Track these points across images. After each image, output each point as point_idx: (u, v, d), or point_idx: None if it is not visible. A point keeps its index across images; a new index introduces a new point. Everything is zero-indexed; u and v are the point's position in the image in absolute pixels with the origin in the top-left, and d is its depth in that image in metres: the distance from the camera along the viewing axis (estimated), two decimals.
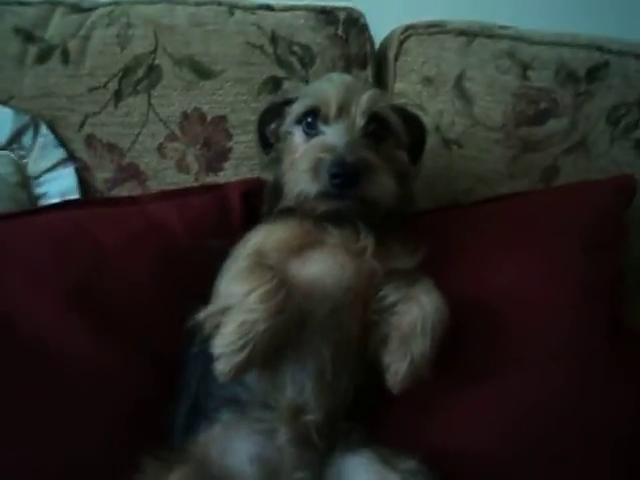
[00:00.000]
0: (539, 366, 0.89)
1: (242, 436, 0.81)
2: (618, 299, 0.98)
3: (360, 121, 0.86)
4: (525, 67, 1.17)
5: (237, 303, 0.79)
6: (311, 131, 0.89)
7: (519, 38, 1.18)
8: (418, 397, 0.84)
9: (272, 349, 0.79)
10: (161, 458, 0.78)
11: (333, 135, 0.85)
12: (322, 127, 0.87)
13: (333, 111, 0.87)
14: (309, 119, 0.89)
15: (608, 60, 1.17)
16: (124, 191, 1.14)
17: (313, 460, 0.82)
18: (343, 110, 0.87)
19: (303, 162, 0.85)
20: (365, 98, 0.87)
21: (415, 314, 0.82)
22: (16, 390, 0.83)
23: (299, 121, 0.90)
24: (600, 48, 1.18)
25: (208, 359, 0.81)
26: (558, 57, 1.17)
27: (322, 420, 0.82)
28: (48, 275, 0.90)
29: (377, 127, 0.88)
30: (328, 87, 0.89)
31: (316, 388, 0.82)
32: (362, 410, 0.87)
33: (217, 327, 0.81)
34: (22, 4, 1.15)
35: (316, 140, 0.87)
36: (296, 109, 0.90)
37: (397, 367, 0.81)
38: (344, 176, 0.81)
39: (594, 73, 1.17)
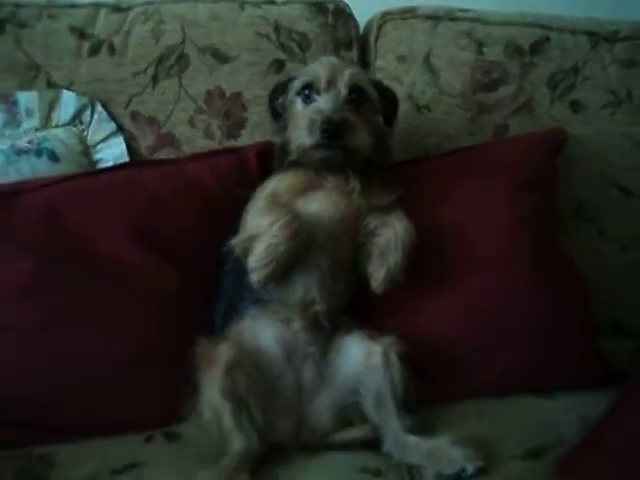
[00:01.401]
0: (480, 273, 1.13)
1: (267, 324, 1.06)
2: (545, 226, 1.20)
3: (344, 91, 1.06)
4: (480, 44, 1.34)
5: (263, 231, 1.01)
6: (307, 100, 1.09)
7: (476, 19, 1.36)
8: (395, 297, 1.08)
9: (288, 264, 1.02)
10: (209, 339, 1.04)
11: (323, 102, 1.06)
12: (315, 97, 1.08)
13: (323, 84, 1.07)
14: (306, 91, 1.10)
15: (549, 36, 1.35)
16: (163, 155, 1.32)
17: (321, 340, 1.06)
18: (331, 83, 1.07)
19: (302, 122, 1.07)
20: (347, 73, 1.07)
21: (390, 234, 1.05)
22: (95, 298, 1.07)
23: (299, 93, 1.11)
24: (542, 26, 1.36)
25: (239, 273, 1.06)
26: (507, 35, 1.35)
27: (326, 310, 1.06)
28: (115, 219, 1.12)
29: (357, 96, 1.08)
30: (319, 67, 1.10)
31: (320, 290, 1.06)
32: (356, 307, 1.11)
33: (245, 250, 1.04)
34: (73, 6, 1.32)
35: (311, 106, 1.08)
36: (296, 85, 1.11)
37: (377, 274, 1.05)
38: (331, 131, 1.02)
39: (537, 47, 1.35)
